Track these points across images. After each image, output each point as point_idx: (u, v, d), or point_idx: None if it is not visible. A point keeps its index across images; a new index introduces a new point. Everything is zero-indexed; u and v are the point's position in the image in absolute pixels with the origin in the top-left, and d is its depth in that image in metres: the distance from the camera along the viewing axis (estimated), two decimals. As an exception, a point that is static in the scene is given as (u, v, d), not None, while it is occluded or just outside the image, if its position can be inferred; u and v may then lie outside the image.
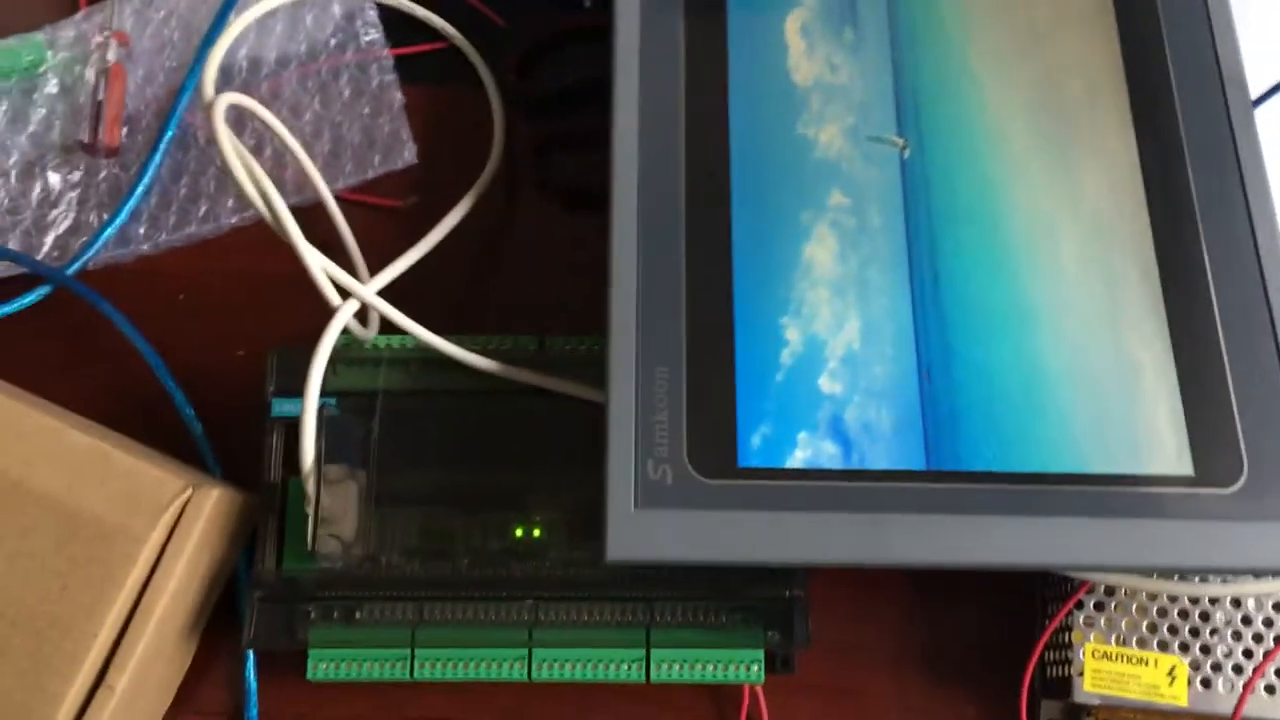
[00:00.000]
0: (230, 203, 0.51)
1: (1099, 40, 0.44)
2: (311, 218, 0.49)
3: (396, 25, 0.53)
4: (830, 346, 0.39)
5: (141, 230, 0.51)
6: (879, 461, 0.38)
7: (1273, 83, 0.45)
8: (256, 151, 0.51)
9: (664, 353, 0.39)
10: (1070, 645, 0.42)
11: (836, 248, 0.41)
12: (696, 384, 0.39)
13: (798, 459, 0.38)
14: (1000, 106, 0.43)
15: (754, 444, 0.38)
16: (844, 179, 0.42)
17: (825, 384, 0.39)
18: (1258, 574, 0.40)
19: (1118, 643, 0.42)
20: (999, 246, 0.41)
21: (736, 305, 0.40)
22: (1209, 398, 0.39)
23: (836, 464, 0.38)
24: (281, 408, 0.44)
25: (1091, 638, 0.42)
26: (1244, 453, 0.38)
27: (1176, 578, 0.42)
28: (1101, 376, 0.39)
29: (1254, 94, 0.43)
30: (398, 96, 0.52)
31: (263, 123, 0.47)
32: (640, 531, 0.37)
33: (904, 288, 0.40)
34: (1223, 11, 0.44)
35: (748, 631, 0.42)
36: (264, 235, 0.50)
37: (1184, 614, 0.42)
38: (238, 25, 0.48)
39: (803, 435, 0.38)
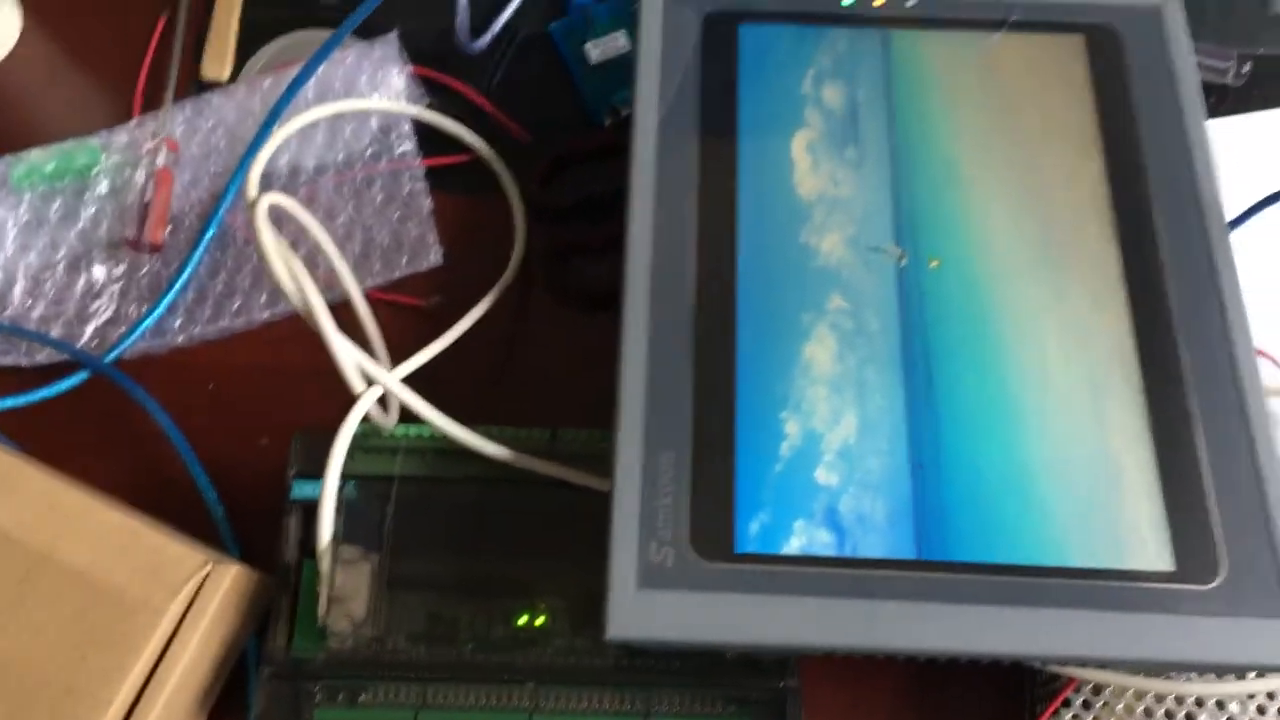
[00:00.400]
0: (263, 298, 0.54)
1: (1084, 159, 0.47)
2: (339, 314, 0.51)
3: (431, 138, 0.57)
4: (827, 440, 0.41)
5: (177, 323, 0.53)
6: (871, 550, 0.39)
7: (1247, 206, 0.48)
8: (292, 250, 0.54)
9: (670, 438, 0.41)
10: (1060, 744, 0.43)
11: (835, 348, 0.43)
12: (699, 471, 0.40)
13: (793, 546, 0.39)
14: (991, 220, 0.46)
15: (752, 530, 0.40)
16: (844, 285, 0.44)
17: (821, 475, 0.41)
18: (1237, 671, 0.41)
19: (1107, 743, 0.43)
20: (989, 350, 0.43)
21: (739, 399, 0.42)
22: (1188, 497, 0.40)
23: (830, 551, 0.39)
24: (302, 490, 0.46)
25: (1080, 737, 0.43)
26: (1222, 550, 0.39)
27: (1165, 677, 0.43)
28: (1086, 474, 0.41)
29: (1229, 217, 0.46)
30: (427, 203, 0.55)
31: (299, 224, 0.50)
32: (641, 611, 0.38)
33: (899, 387, 0.42)
34: (1202, 141, 0.47)
35: (743, 722, 0.44)
36: (293, 330, 0.53)
37: (1169, 715, 0.43)
38: (281, 134, 0.51)
39: (799, 523, 0.40)
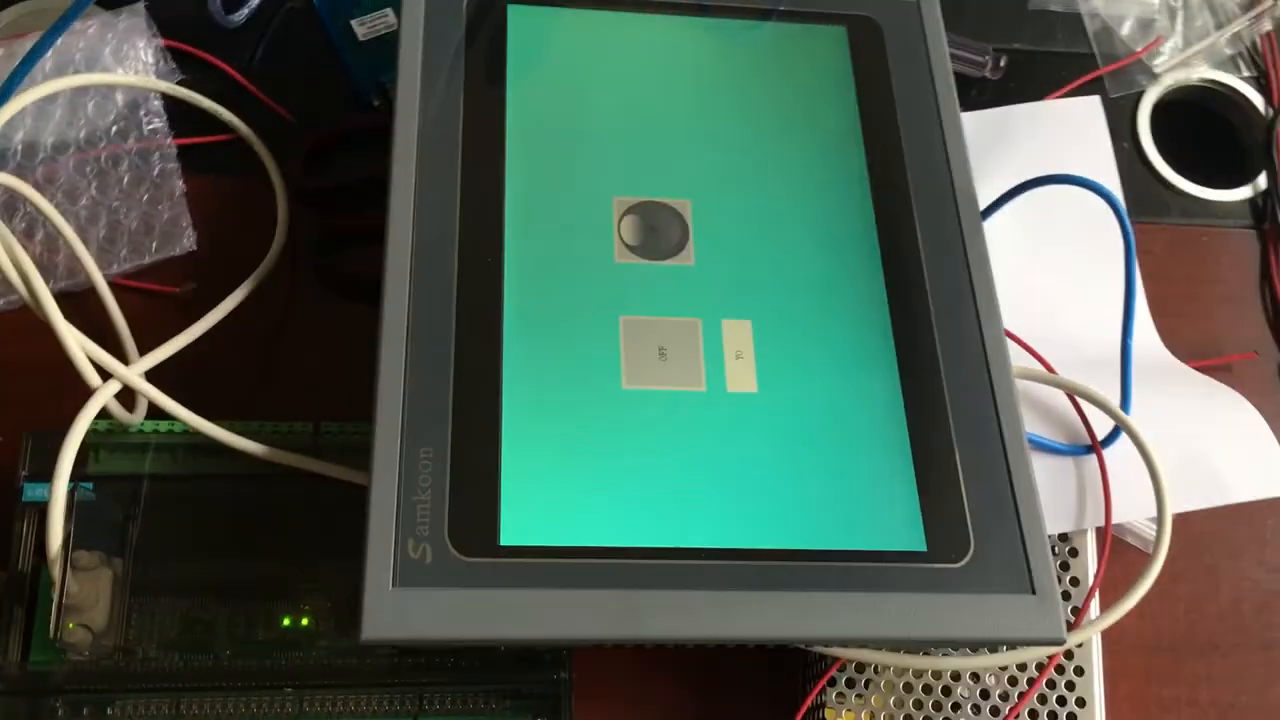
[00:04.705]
0: (-7, 287, 0.50)
1: (846, 149, 0.48)
2: (85, 303, 0.48)
3: (187, 117, 0.54)
4: (591, 431, 0.41)
5: (-104, 315, 0.49)
6: (635, 539, 0.39)
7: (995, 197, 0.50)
8: (28, 235, 0.50)
9: (429, 432, 0.40)
10: (825, 723, 0.44)
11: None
12: (460, 465, 0.39)
13: (557, 536, 0.39)
14: (753, 207, 0.46)
15: (516, 522, 0.39)
16: (611, 274, 0.44)
17: (585, 466, 0.40)
18: (988, 644, 0.42)
19: (868, 718, 0.44)
20: (752, 337, 0.43)
21: (505, 387, 0.41)
22: (940, 479, 0.41)
23: (592, 541, 0.39)
24: (34, 492, 0.43)
25: (843, 715, 0.44)
26: (971, 529, 0.41)
27: (923, 653, 0.44)
28: (842, 459, 0.41)
29: (983, 205, 0.48)
30: (179, 185, 0.52)
31: (35, 206, 0.46)
32: (397, 610, 0.37)
33: (663, 375, 0.42)
34: (956, 131, 0.48)
35: (515, 717, 0.43)
36: (27, 322, 0.49)
37: (928, 689, 0.44)
38: (12, 107, 0.47)
39: (565, 514, 0.39)
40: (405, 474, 0.39)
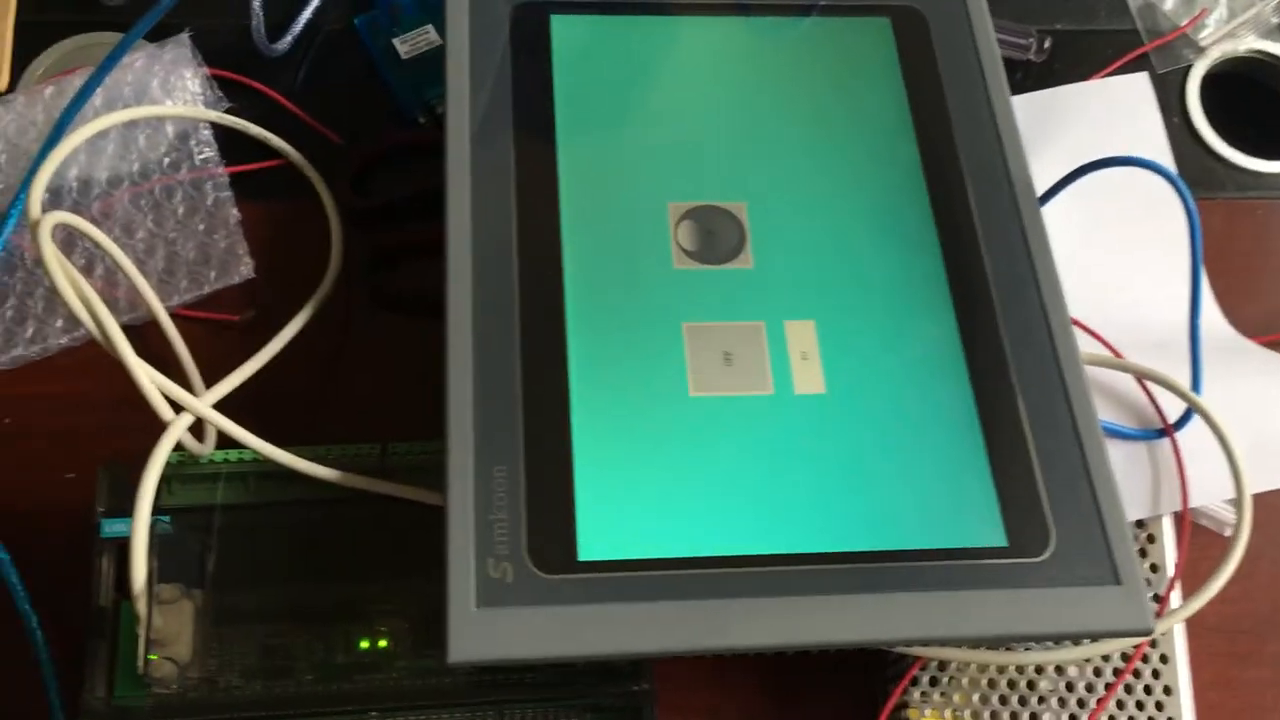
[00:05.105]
0: (59, 323, 0.50)
1: (898, 142, 0.47)
2: (148, 335, 0.48)
3: (234, 144, 0.54)
4: (665, 440, 0.41)
5: (-37, 355, 0.50)
6: (712, 548, 0.39)
7: (1055, 180, 0.49)
8: (87, 271, 0.50)
9: (501, 451, 0.40)
10: (909, 722, 0.44)
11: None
12: (535, 481, 0.39)
13: (636, 550, 0.39)
14: (809, 210, 0.46)
15: (593, 537, 0.39)
16: (674, 280, 0.44)
17: (661, 475, 0.40)
18: (1076, 638, 0.42)
19: (953, 717, 0.44)
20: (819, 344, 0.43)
21: (573, 403, 0.41)
22: (1016, 471, 0.41)
23: (673, 552, 0.39)
24: (112, 528, 0.43)
25: (927, 713, 0.44)
26: (1051, 522, 0.40)
27: (1004, 649, 0.43)
28: (918, 457, 0.41)
29: (1039, 191, 0.47)
30: (234, 213, 0.52)
31: (94, 242, 0.46)
32: (482, 631, 0.37)
33: (731, 381, 0.42)
34: (1008, 118, 0.48)
35: (597, 730, 0.43)
36: (96, 356, 0.49)
37: (1012, 684, 0.44)
38: (66, 145, 0.48)
39: (641, 526, 0.39)
40: (480, 493, 0.39)
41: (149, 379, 0.41)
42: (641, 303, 0.43)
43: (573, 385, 0.41)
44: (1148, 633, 0.39)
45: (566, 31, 0.48)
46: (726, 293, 0.44)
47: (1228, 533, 0.48)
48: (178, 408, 0.43)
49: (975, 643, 0.43)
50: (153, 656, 0.40)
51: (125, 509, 0.42)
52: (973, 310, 0.44)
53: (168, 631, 0.41)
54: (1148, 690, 0.44)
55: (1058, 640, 0.43)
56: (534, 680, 0.43)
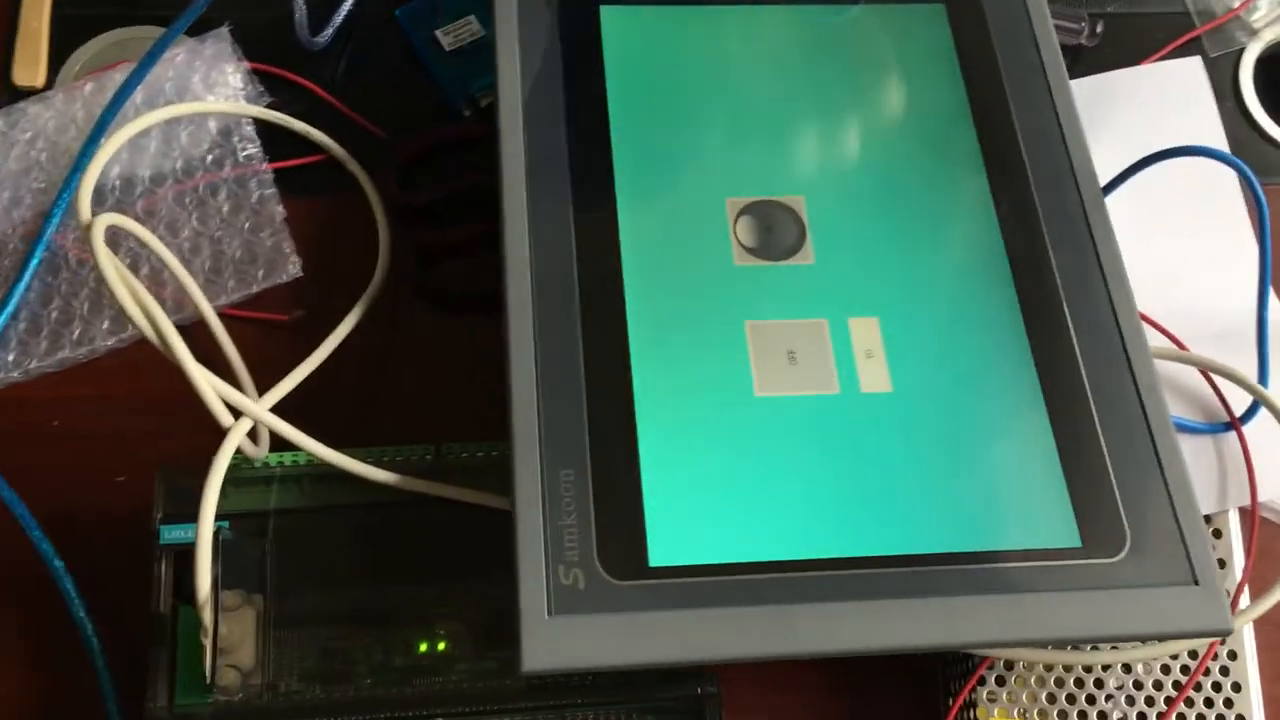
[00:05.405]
0: (105, 324, 0.49)
1: (957, 130, 0.46)
2: (194, 336, 0.48)
3: (276, 139, 0.53)
4: (732, 442, 0.40)
5: (10, 357, 0.49)
6: (783, 552, 0.38)
7: (1119, 171, 0.49)
8: (133, 270, 0.50)
9: (567, 455, 0.39)
10: (976, 721, 0.43)
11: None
12: (602, 485, 0.39)
13: (706, 555, 0.38)
14: (866, 200, 0.45)
15: (663, 542, 0.38)
16: (736, 275, 0.43)
17: (730, 479, 0.39)
18: (1150, 639, 0.42)
19: (1021, 716, 0.43)
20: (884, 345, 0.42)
21: (638, 405, 0.40)
22: (1088, 471, 0.40)
23: (743, 557, 0.38)
24: (171, 534, 0.42)
25: (995, 713, 0.43)
26: (1125, 522, 0.40)
27: (1070, 647, 0.43)
28: (989, 458, 0.40)
29: (1101, 181, 0.46)
30: (279, 210, 0.51)
31: (139, 241, 0.46)
32: (556, 639, 0.36)
33: (798, 381, 0.41)
34: (1069, 106, 0.47)
35: (661, 733, 0.42)
36: (142, 356, 0.49)
37: (1079, 682, 0.44)
38: (111, 145, 0.47)
39: (710, 530, 0.39)
40: (549, 499, 0.38)
41: (208, 384, 0.41)
42: (703, 301, 0.43)
43: (636, 386, 0.40)
44: (1228, 633, 0.39)
45: (617, 23, 0.48)
46: (788, 289, 0.43)
47: (1290, 525, 0.48)
48: (236, 412, 0.42)
49: (1051, 644, 0.42)
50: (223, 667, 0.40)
51: (182, 514, 0.42)
52: (1039, 306, 0.43)
53: (232, 639, 0.41)
54: (1216, 687, 0.44)
55: (1136, 641, 0.43)
56: (595, 683, 0.43)
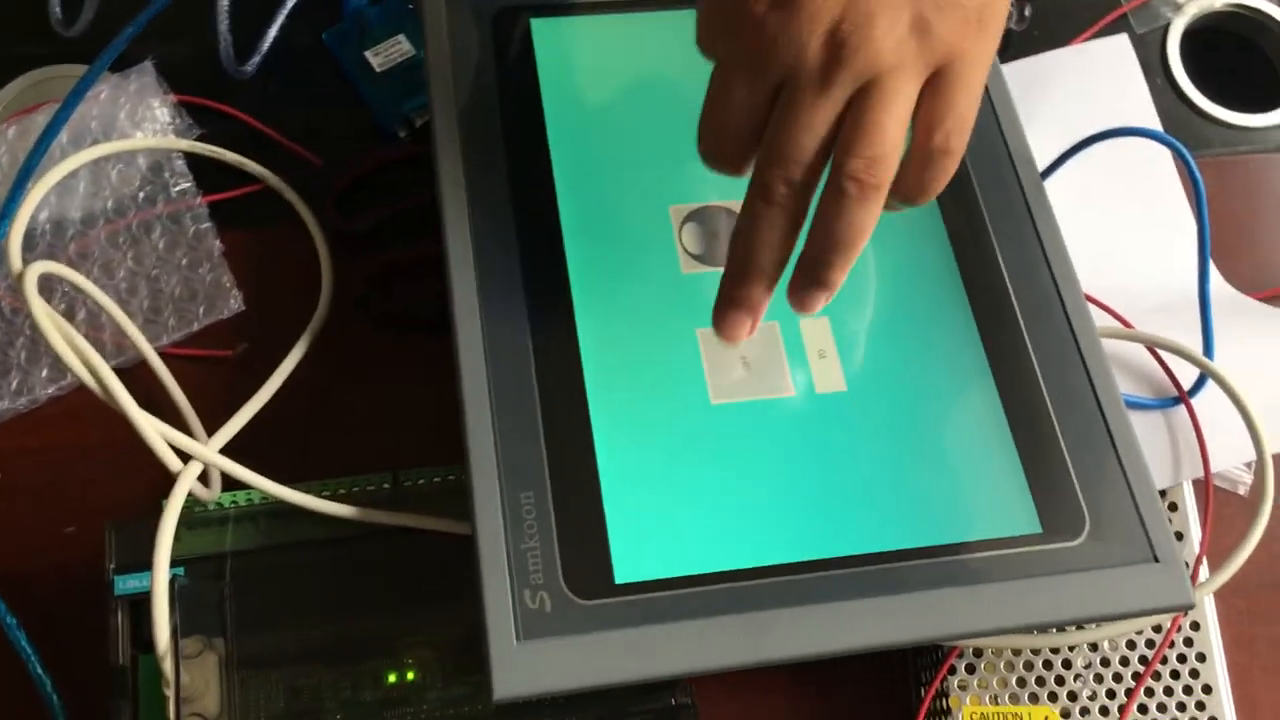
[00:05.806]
0: (44, 372, 0.48)
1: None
2: (137, 376, 0.47)
3: (209, 172, 0.52)
4: (690, 454, 0.40)
5: (-53, 411, 0.48)
6: (748, 559, 0.38)
7: (1056, 155, 0.49)
8: (69, 315, 0.49)
9: (526, 477, 0.39)
10: (949, 711, 0.43)
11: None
12: (563, 505, 0.38)
13: (671, 568, 0.38)
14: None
15: (628, 558, 0.38)
16: (683, 286, 0.43)
17: (687, 489, 0.39)
18: (1115, 619, 0.42)
19: (992, 702, 0.43)
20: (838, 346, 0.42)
21: (594, 419, 0.40)
22: (1044, 456, 0.41)
23: (708, 567, 0.38)
24: (126, 585, 0.41)
25: (968, 700, 0.43)
26: (1084, 505, 0.40)
27: (1036, 631, 0.43)
28: (946, 451, 0.41)
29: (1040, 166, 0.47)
30: (216, 244, 0.50)
31: (75, 286, 0.45)
32: (527, 665, 0.36)
33: (751, 386, 0.41)
34: (1002, 90, 0.47)
35: (637, 746, 0.42)
36: (83, 402, 0.48)
37: (1048, 664, 0.44)
38: (39, 189, 0.46)
39: (674, 542, 0.38)
40: (510, 523, 0.38)
41: (154, 430, 0.40)
42: (653, 311, 0.42)
43: (592, 403, 0.40)
44: (1190, 607, 0.39)
45: (549, 35, 0.47)
46: (736, 294, 0.43)
47: (1242, 490, 0.49)
48: (185, 456, 0.41)
49: (1019, 630, 0.42)
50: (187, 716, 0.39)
51: (136, 563, 0.41)
52: (987, 294, 0.43)
53: (195, 687, 0.40)
54: (1181, 659, 0.44)
55: (1101, 621, 0.43)
56: (567, 700, 0.43)
